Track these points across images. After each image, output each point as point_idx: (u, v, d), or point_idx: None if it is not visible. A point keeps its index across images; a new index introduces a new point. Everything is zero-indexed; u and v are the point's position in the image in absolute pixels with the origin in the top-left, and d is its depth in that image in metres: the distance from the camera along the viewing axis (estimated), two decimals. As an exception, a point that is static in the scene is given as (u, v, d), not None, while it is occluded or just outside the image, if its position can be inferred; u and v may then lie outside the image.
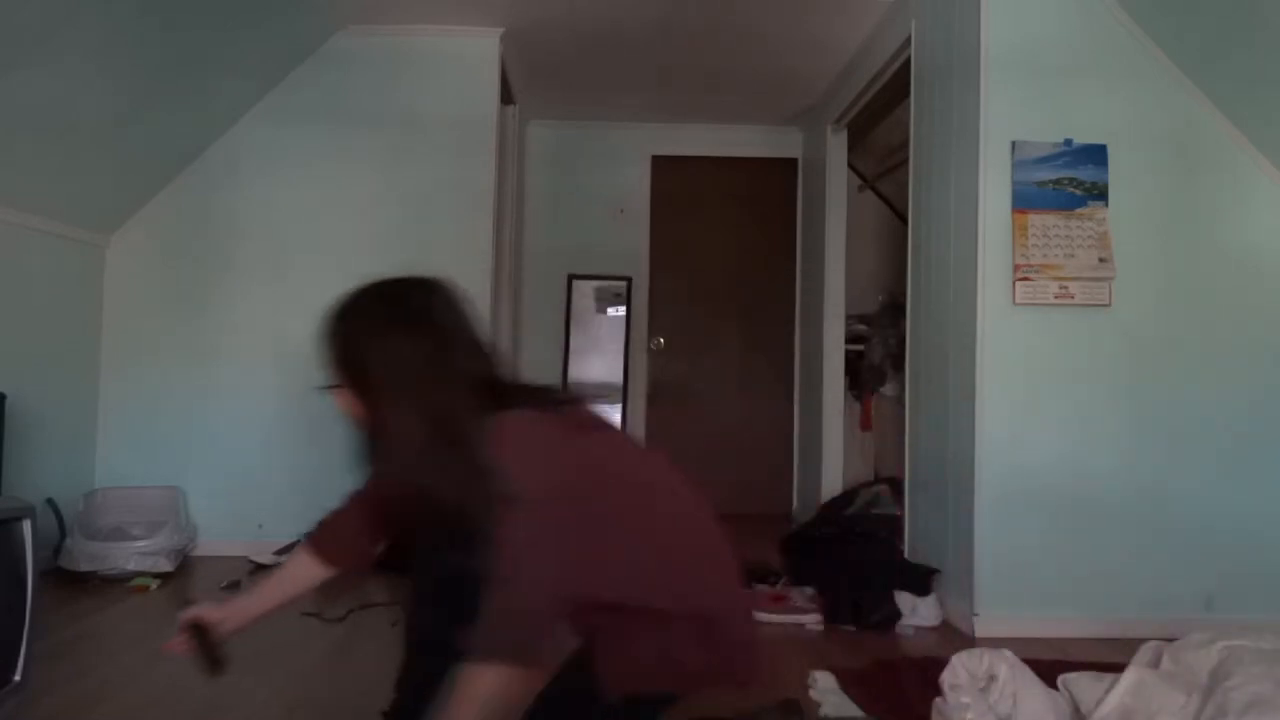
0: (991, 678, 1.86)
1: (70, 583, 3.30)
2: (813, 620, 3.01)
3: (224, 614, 1.56)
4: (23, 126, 3.02)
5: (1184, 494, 2.98)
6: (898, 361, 4.57)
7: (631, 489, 1.43)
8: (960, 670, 1.88)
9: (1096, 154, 2.98)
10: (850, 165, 5.15)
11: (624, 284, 5.53)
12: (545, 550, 1.29)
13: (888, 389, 5.02)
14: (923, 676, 2.20)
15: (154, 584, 3.35)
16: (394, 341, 1.38)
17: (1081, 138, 2.98)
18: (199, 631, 1.54)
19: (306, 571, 1.61)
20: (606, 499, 1.37)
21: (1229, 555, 2.96)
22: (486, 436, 1.31)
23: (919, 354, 3.48)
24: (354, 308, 1.44)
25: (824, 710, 2.14)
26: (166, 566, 3.50)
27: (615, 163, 5.59)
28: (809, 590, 3.16)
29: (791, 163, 5.62)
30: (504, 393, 1.38)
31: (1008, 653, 1.89)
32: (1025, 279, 2.95)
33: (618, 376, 5.50)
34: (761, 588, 3.24)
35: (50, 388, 3.58)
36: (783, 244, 5.63)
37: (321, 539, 1.63)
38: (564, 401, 1.44)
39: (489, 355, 1.44)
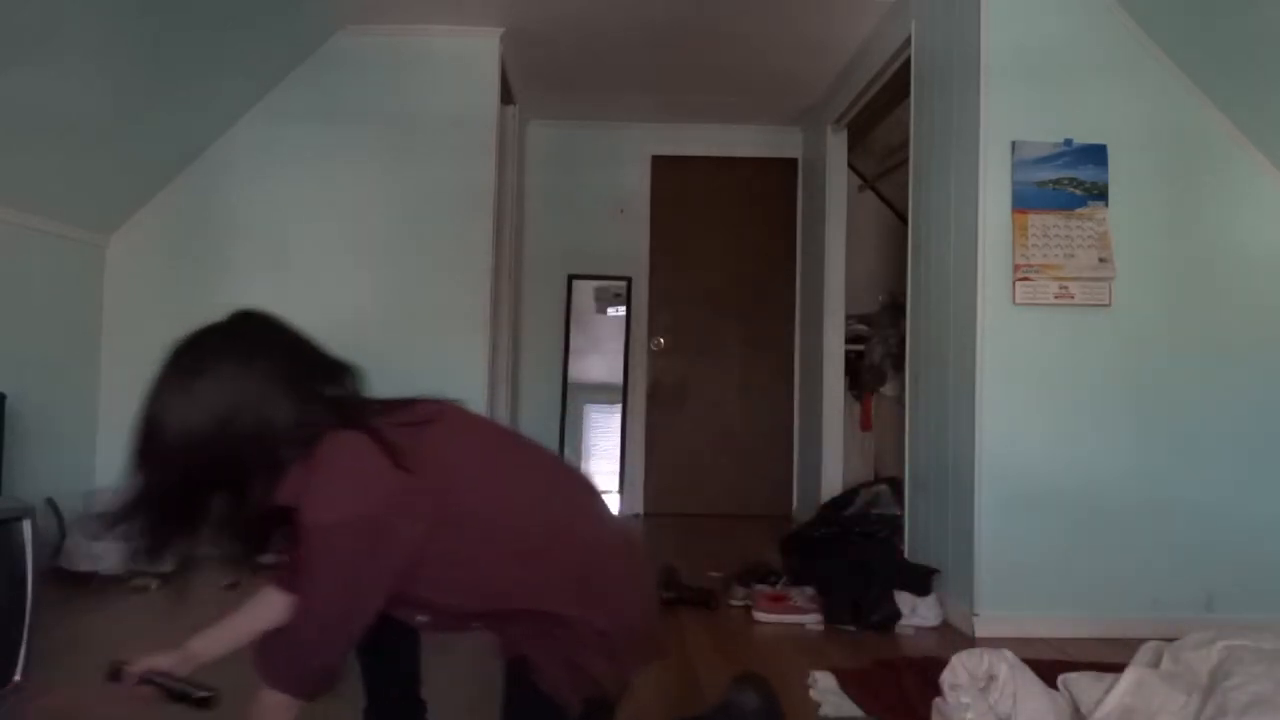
0: (991, 678, 1.85)
1: (70, 583, 3.30)
2: (813, 620, 3.01)
3: (174, 661, 1.48)
4: (23, 126, 3.02)
5: (1184, 493, 2.98)
6: (898, 361, 4.57)
7: (487, 501, 1.37)
8: (960, 670, 1.87)
9: (1096, 154, 2.98)
10: (850, 165, 5.15)
11: (624, 284, 5.53)
12: (344, 576, 1.26)
13: (888, 389, 5.02)
14: (923, 676, 2.20)
15: (154, 584, 3.34)
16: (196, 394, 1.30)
17: (1081, 138, 2.98)
18: (161, 678, 1.45)
19: (273, 609, 1.53)
20: (453, 514, 1.32)
21: (1229, 555, 2.96)
22: (296, 459, 1.26)
23: (919, 354, 3.48)
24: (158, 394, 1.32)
25: (824, 710, 2.14)
26: (166, 566, 3.49)
27: (615, 163, 5.59)
28: (809, 590, 3.16)
29: (791, 163, 5.62)
30: (343, 410, 1.32)
31: (1008, 653, 1.89)
32: (1025, 279, 2.94)
33: (618, 376, 5.50)
34: (761, 588, 3.24)
35: (50, 388, 3.58)
36: (783, 244, 5.63)
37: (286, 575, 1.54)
38: (415, 421, 1.36)
39: (324, 373, 1.36)
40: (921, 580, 3.10)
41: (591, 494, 1.53)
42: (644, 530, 5.17)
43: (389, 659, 1.61)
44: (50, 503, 3.41)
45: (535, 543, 1.37)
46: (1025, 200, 2.95)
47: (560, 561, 1.37)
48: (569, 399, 5.44)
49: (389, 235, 4.09)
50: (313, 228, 4.06)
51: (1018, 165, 2.95)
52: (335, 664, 1.32)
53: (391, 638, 1.52)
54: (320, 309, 4.07)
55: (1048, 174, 2.96)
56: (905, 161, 3.73)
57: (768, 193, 5.69)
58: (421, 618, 1.42)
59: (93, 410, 3.89)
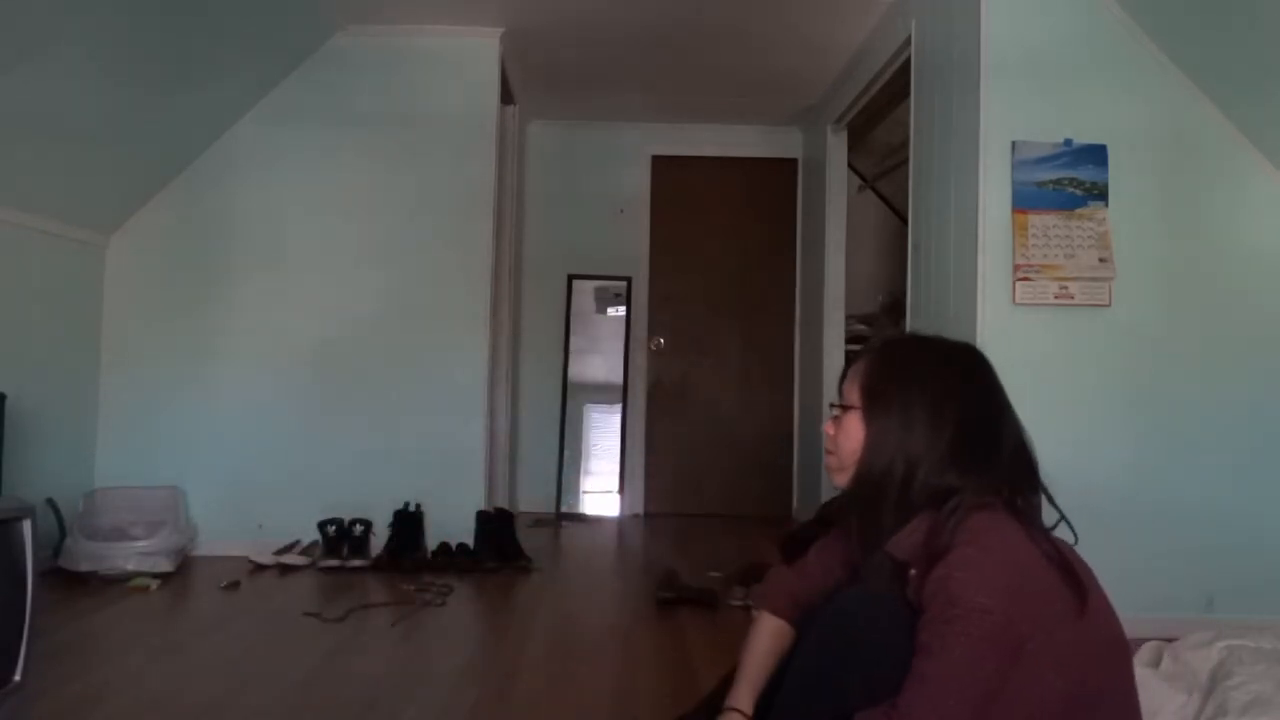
0: (991, 678, 1.85)
1: (70, 583, 3.30)
2: (813, 620, 3.00)
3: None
4: (22, 126, 3.02)
5: (1184, 494, 2.98)
6: (898, 361, 4.56)
7: (1069, 629, 1.26)
8: (960, 670, 1.87)
9: (1096, 154, 2.98)
10: (850, 165, 5.15)
11: (624, 284, 5.53)
12: (967, 673, 1.17)
13: (888, 389, 5.01)
14: (923, 676, 2.19)
15: (154, 584, 3.35)
16: (947, 390, 1.42)
17: (1081, 138, 2.98)
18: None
19: (779, 638, 1.52)
20: (1040, 634, 1.22)
21: (1229, 555, 2.96)
22: (959, 523, 1.25)
23: (919, 354, 3.47)
24: (930, 353, 1.50)
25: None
26: (166, 566, 3.49)
27: (615, 163, 5.59)
28: (809, 590, 3.15)
29: (791, 163, 5.62)
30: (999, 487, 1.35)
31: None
32: (1025, 279, 2.94)
33: (618, 376, 5.50)
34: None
35: (50, 388, 3.58)
36: (783, 244, 5.63)
37: (776, 599, 1.59)
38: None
39: (1008, 448, 1.41)
40: (921, 580, 3.10)
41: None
42: (644, 530, 5.17)
43: None
44: (50, 503, 3.41)
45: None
46: (1025, 200, 2.95)
47: None
48: (569, 399, 5.44)
49: (389, 235, 4.09)
50: (313, 228, 4.06)
51: (1018, 165, 2.95)
52: None
53: None
54: (320, 309, 4.12)
55: (1048, 174, 2.96)
56: (905, 161, 3.73)
57: (768, 193, 5.69)
58: None
59: (93, 410, 3.89)
